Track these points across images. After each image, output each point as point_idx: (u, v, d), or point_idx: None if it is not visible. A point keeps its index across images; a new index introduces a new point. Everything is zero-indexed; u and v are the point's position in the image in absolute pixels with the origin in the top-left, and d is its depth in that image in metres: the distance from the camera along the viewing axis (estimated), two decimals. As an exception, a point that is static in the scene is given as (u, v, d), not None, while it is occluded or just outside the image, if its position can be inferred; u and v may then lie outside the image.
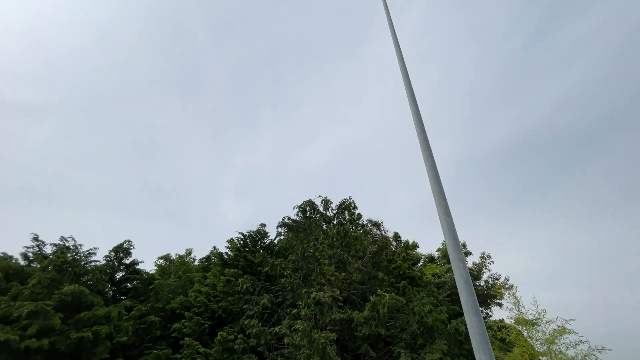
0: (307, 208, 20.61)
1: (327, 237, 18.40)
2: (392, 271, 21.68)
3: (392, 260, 22.31)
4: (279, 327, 14.05)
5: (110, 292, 20.84)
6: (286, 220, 20.16)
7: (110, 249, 21.21)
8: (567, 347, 12.32)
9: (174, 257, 29.91)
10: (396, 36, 7.64)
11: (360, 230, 22.31)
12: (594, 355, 11.88)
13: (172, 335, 17.62)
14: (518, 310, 13.78)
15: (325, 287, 15.13)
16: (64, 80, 73.10)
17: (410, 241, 32.26)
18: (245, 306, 17.03)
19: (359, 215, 22.99)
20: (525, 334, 14.01)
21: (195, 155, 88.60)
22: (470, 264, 30.25)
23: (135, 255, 22.03)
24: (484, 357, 3.35)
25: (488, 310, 29.33)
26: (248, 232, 23.82)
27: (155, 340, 17.74)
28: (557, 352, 12.47)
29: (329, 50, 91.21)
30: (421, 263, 33.29)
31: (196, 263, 29.42)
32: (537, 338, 13.09)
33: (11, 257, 17.84)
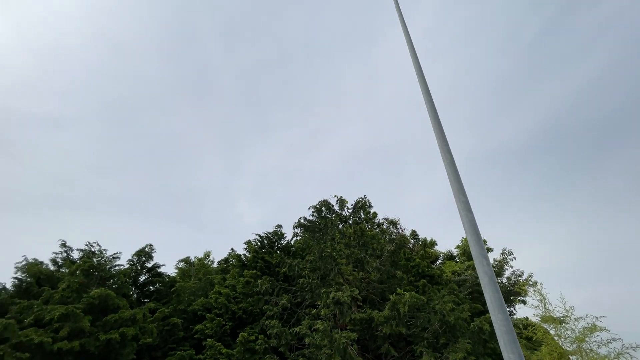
0: (323, 208, 20.63)
1: (344, 236, 18.35)
2: (410, 270, 21.40)
3: (410, 259, 22.02)
4: (299, 327, 14.10)
5: (135, 295, 21.49)
6: (302, 221, 20.24)
7: (133, 253, 21.91)
8: (599, 345, 11.80)
9: (194, 260, 30.57)
10: (408, 32, 7.53)
11: (376, 229, 22.13)
12: (627, 353, 11.33)
13: (195, 336, 17.99)
14: (544, 308, 13.30)
15: (343, 286, 15.09)
16: (85, 93, 75.93)
17: (428, 239, 31.76)
18: (265, 307, 17.19)
19: (375, 214, 22.83)
20: (552, 332, 13.51)
21: (211, 160, 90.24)
22: (491, 261, 29.47)
23: (157, 258, 22.66)
24: (512, 356, 3.24)
25: (512, 308, 28.51)
26: (265, 233, 24.06)
27: (178, 342, 18.17)
28: (587, 351, 11.97)
29: (338, 50, 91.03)
30: (440, 261, 32.71)
31: (215, 265, 29.97)
32: (566, 336, 12.60)
33: (41, 262, 18.66)
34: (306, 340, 13.24)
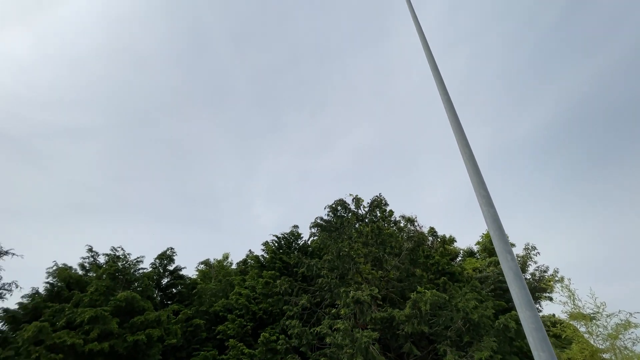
0: (339, 207, 20.61)
1: (361, 235, 18.26)
2: (430, 267, 21.06)
3: (429, 256, 21.68)
4: (320, 327, 14.13)
5: (158, 298, 22.10)
6: (318, 221, 20.29)
7: (155, 256, 22.55)
8: (634, 343, 11.26)
9: (213, 262, 31.17)
10: (420, 26, 7.41)
11: (393, 227, 21.91)
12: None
13: (217, 337, 18.32)
14: (573, 304, 12.82)
15: (362, 285, 15.02)
16: (105, 103, 78.83)
17: (447, 236, 31.15)
18: (284, 307, 17.32)
19: (391, 212, 22.62)
20: (582, 329, 12.99)
21: (226, 163, 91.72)
22: (514, 257, 28.54)
23: (177, 261, 23.23)
24: (543, 354, 3.12)
25: (537, 305, 27.56)
26: (282, 234, 24.25)
27: (202, 342, 18.55)
28: (622, 348, 11.44)
29: (349, 48, 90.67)
30: (460, 258, 32.02)
31: (233, 266, 30.45)
32: (598, 333, 12.09)
33: (70, 267, 19.45)
34: (327, 340, 13.26)
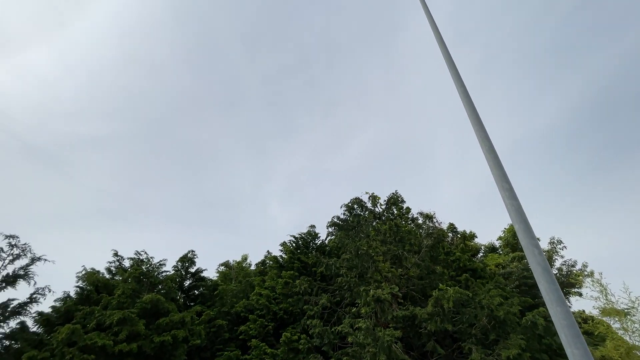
0: (355, 206, 20.50)
1: (379, 233, 18.10)
2: (451, 264, 20.64)
3: (449, 253, 21.25)
4: (341, 326, 14.10)
5: (181, 299, 22.66)
6: (335, 220, 20.25)
7: (177, 259, 23.14)
8: (674, 339, 10.65)
9: (232, 263, 31.68)
10: (432, 16, 7.26)
11: (410, 224, 21.60)
12: None
13: (240, 337, 18.60)
14: (606, 299, 12.25)
15: (382, 284, 14.89)
16: (125, 113, 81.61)
17: (467, 232, 30.44)
18: (305, 307, 17.39)
19: (408, 209, 22.29)
20: (616, 325, 12.39)
21: (241, 166, 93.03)
22: (539, 251, 27.57)
23: (198, 264, 23.72)
24: (577, 351, 2.97)
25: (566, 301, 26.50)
26: (299, 234, 24.37)
27: (225, 342, 18.89)
28: (660, 345, 10.85)
29: (359, 44, 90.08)
30: (481, 254, 31.24)
31: (252, 268, 30.83)
32: (634, 329, 11.50)
33: (98, 271, 20.24)
34: (349, 339, 13.22)
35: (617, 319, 12.07)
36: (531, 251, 3.72)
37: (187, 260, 23.14)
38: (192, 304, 22.71)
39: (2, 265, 16.70)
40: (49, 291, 17.24)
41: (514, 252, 27.82)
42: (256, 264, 29.50)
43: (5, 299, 16.24)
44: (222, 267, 30.53)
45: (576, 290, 25.59)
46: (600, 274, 12.87)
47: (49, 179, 72.24)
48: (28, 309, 16.46)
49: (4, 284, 16.39)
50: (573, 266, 26.25)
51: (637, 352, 11.76)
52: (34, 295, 16.84)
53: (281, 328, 18.66)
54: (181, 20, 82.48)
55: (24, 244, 17.47)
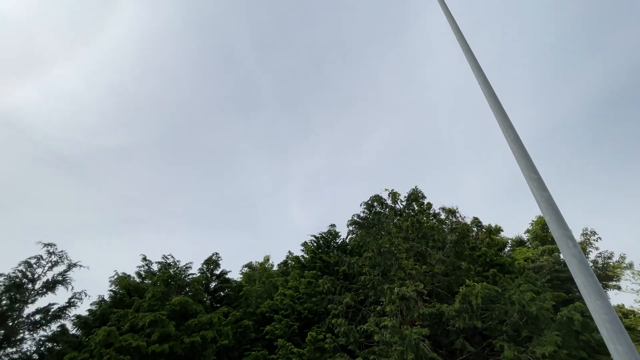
0: (375, 203, 20.33)
1: (401, 230, 17.85)
2: (477, 259, 20.07)
3: (475, 248, 20.67)
4: (367, 324, 14.01)
5: (208, 301, 23.26)
6: (355, 219, 20.16)
7: (202, 262, 23.76)
8: None
9: (255, 265, 32.17)
10: (446, 5, 7.07)
11: (432, 220, 21.18)
12: None
13: (266, 337, 18.86)
14: (648, 292, 11.50)
15: (407, 281, 14.67)
16: (145, 122, 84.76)
17: (492, 226, 29.48)
18: (329, 306, 17.41)
19: (429, 205, 21.86)
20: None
21: (259, 168, 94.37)
22: (571, 244, 26.29)
23: (223, 266, 24.26)
24: (620, 348, 2.78)
25: (603, 295, 25.13)
26: (319, 233, 24.43)
27: (251, 343, 19.21)
28: None
29: (370, 41, 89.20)
30: (508, 248, 30.17)
31: (275, 268, 31.18)
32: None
33: (129, 275, 21.12)
34: (375, 338, 13.11)
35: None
36: (565, 243, 3.53)
37: (211, 262, 23.71)
38: (218, 305, 23.24)
39: (43, 272, 17.73)
40: (85, 295, 18.17)
41: (544, 245, 26.70)
42: (278, 265, 29.83)
43: (46, 304, 17.27)
44: (246, 269, 31.07)
45: (614, 283, 24.22)
46: (641, 265, 12.10)
47: (79, 189, 76.10)
48: (67, 312, 17.42)
49: (44, 290, 17.41)
50: (609, 258, 24.87)
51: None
52: (72, 300, 17.79)
53: (306, 327, 18.76)
54: (194, 29, 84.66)
55: (61, 251, 18.48)
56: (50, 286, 17.57)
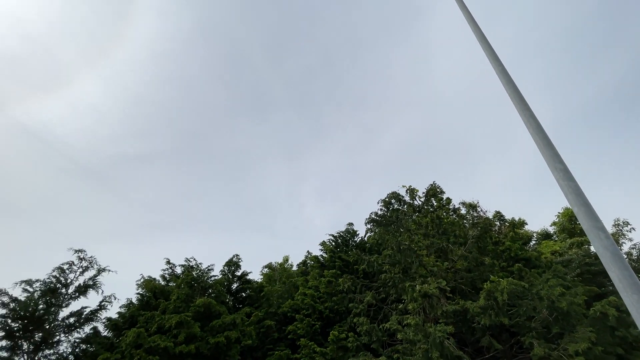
0: (392, 200, 20.08)
1: (420, 226, 17.57)
2: (500, 254, 19.47)
3: (498, 243, 20.07)
4: (389, 323, 13.88)
5: (230, 302, 23.70)
6: (373, 216, 19.98)
7: (223, 264, 24.20)
8: None
9: (275, 265, 32.52)
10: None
11: (452, 215, 20.71)
12: None
13: (288, 337, 19.02)
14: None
15: (428, 278, 14.43)
16: (164, 129, 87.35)
17: (516, 219, 28.52)
18: (350, 305, 17.36)
19: (449, 200, 21.38)
20: None
21: (274, 169, 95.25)
22: (601, 235, 25.08)
23: (243, 267, 24.67)
24: (662, 343, 2.66)
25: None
26: (337, 232, 24.42)
27: (274, 342, 19.42)
28: None
29: (381, 36, 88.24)
30: (534, 242, 29.12)
31: (294, 268, 31.40)
32: None
33: (154, 279, 21.81)
34: (398, 336, 12.97)
35: None
36: (596, 235, 3.35)
37: (232, 264, 24.12)
38: (240, 306, 23.62)
39: (75, 277, 18.58)
40: (115, 298, 18.91)
41: (572, 237, 25.60)
42: (298, 265, 30.00)
43: (79, 307, 18.09)
44: (266, 269, 31.46)
45: (651, 276, 22.94)
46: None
47: (104, 197, 79.22)
48: (98, 315, 18.19)
49: (77, 294, 18.23)
50: (645, 249, 23.56)
51: None
52: (103, 303, 18.56)
53: (328, 327, 18.78)
54: (206, 34, 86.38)
55: (91, 257, 19.32)
56: (82, 290, 18.38)
